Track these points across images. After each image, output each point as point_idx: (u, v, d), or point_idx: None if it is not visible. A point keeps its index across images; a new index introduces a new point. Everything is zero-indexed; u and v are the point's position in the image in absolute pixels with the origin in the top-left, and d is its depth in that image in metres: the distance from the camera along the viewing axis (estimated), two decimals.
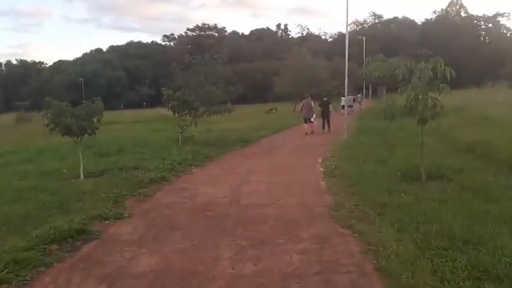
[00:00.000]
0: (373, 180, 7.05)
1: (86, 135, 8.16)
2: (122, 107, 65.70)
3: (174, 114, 13.06)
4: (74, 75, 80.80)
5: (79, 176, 8.09)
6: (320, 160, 9.86)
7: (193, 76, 13.98)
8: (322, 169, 8.64)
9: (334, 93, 33.49)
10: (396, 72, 7.19)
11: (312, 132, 16.98)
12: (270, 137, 16.88)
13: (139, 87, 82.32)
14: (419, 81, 6.92)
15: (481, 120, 13.25)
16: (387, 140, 12.42)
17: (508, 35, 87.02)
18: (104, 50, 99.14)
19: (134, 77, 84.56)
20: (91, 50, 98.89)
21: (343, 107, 25.90)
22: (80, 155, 8.16)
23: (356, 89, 39.84)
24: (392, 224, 4.70)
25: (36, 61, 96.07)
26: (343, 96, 31.20)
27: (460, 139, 11.10)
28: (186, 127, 13.32)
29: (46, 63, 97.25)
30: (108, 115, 35.98)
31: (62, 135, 8.02)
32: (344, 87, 26.54)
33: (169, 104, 12.71)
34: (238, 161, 10.29)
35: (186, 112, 13.22)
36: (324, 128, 17.43)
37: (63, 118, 7.65)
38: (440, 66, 6.90)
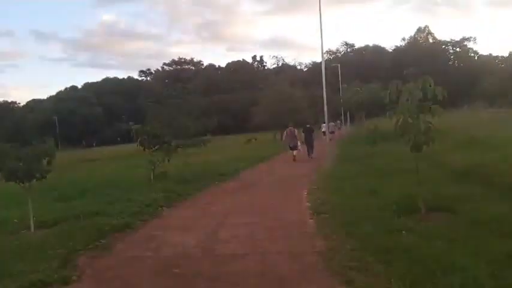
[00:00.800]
0: (368, 216, 6.18)
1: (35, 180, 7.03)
2: (94, 144, 63.83)
3: (144, 150, 12.08)
4: (48, 113, 78.85)
5: (30, 228, 6.94)
6: (305, 193, 8.97)
7: (165, 109, 13.13)
8: (308, 204, 7.73)
9: (312, 122, 33.23)
10: (383, 94, 6.49)
11: (294, 160, 17.03)
12: (250, 168, 15.95)
13: (117, 123, 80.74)
14: (409, 103, 6.23)
15: (470, 142, 12.70)
16: (374, 167, 11.69)
17: (476, 58, 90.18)
18: (79, 87, 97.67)
19: (111, 113, 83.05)
20: (65, 88, 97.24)
21: (324, 133, 25.74)
22: (30, 203, 7.02)
23: (334, 115, 39.72)
24: (402, 276, 3.80)
25: (9, 101, 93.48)
26: (323, 123, 31.24)
27: (452, 164, 10.44)
28: (158, 163, 12.31)
29: (19, 103, 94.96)
30: (83, 153, 34.48)
31: (6, 181, 6.91)
32: (321, 114, 27.73)
33: (138, 139, 11.74)
34: (215, 199, 9.28)
35: (157, 147, 12.25)
36: (309, 155, 17.87)
37: (6, 162, 6.56)
38: (430, 85, 6.26)
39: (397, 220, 5.98)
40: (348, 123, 48.55)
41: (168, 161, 12.74)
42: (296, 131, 17.94)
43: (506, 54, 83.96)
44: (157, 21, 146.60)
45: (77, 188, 11.12)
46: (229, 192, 10.09)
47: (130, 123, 12.41)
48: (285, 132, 18.27)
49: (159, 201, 8.84)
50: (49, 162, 7.10)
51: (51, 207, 8.84)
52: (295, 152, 17.27)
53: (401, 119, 6.31)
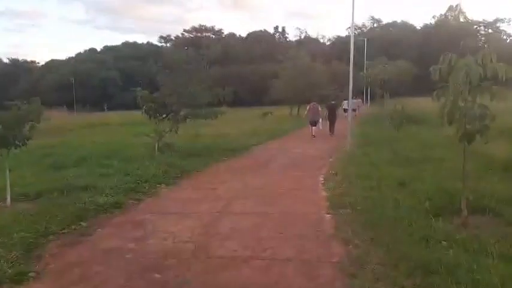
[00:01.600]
0: (397, 216, 5.14)
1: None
2: (106, 108, 63.30)
3: (150, 118, 11.14)
4: (66, 74, 78.54)
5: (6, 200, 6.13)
6: (322, 179, 7.92)
7: (176, 75, 12.04)
8: (325, 194, 6.70)
9: (333, 97, 31.80)
10: (431, 69, 5.29)
11: (313, 136, 16.96)
12: (263, 144, 14.93)
13: (134, 88, 79.68)
14: (465, 81, 5.03)
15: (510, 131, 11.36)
16: (401, 154, 10.53)
17: (508, 41, 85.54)
18: (98, 50, 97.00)
19: (129, 78, 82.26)
20: (85, 50, 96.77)
21: (345, 110, 24.74)
22: (7, 172, 6.19)
23: (355, 93, 37.96)
24: None
25: (28, 60, 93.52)
26: (345, 100, 29.79)
27: (489, 154, 9.21)
28: (164, 133, 11.41)
29: (38, 62, 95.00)
30: (95, 116, 33.91)
31: None
32: (342, 91, 27.95)
33: (144, 107, 10.79)
34: (221, 179, 8.33)
35: (164, 116, 11.31)
36: (330, 131, 17.78)
37: None
38: (491, 61, 5.04)
39: (433, 223, 4.95)
40: (368, 102, 46.68)
41: (176, 131, 11.82)
42: (319, 106, 17.85)
43: None
44: None
45: (75, 156, 10.33)
46: (238, 172, 9.12)
47: (138, 88, 11.39)
48: (307, 107, 18.10)
49: (158, 177, 7.95)
50: (32, 128, 6.21)
51: (40, 175, 8.06)
52: (315, 128, 17.15)
53: (450, 101, 5.14)
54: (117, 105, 72.58)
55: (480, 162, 8.91)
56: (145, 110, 10.81)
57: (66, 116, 39.88)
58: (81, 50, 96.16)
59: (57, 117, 41.72)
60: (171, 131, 11.61)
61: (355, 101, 29.62)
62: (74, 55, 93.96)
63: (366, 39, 36.35)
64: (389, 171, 8.25)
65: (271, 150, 13.27)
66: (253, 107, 52.86)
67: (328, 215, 5.44)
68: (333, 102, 19.30)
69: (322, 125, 17.64)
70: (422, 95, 39.67)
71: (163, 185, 7.61)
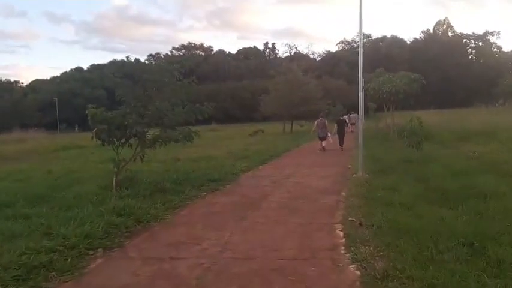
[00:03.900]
0: None
1: None
2: (77, 129, 60.11)
3: (103, 144, 8.52)
4: (50, 94, 75.41)
5: None
6: (341, 234, 5.28)
7: (141, 89, 9.46)
8: (356, 272, 4.04)
9: (326, 112, 29.71)
10: None
11: (323, 150, 17.14)
12: (253, 171, 12.33)
13: (120, 106, 76.73)
14: None
15: None
16: (435, 185, 7.99)
17: (496, 55, 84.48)
18: (85, 68, 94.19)
19: (115, 96, 79.37)
20: (71, 69, 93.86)
21: (347, 124, 23.57)
22: None
23: (351, 108, 35.89)
24: None
25: (12, 80, 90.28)
26: (345, 115, 28.14)
27: None
28: (125, 163, 8.80)
29: (22, 83, 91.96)
30: (73, 138, 30.78)
31: None
32: (335, 106, 29.47)
33: (94, 130, 8.17)
34: (190, 235, 5.63)
35: (123, 141, 8.69)
36: (340, 145, 17.98)
37: None
38: None
39: None
40: (362, 117, 44.33)
41: (142, 159, 9.24)
42: (326, 121, 17.94)
43: None
44: (169, 7, 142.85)
45: None
46: (216, 220, 6.44)
47: (89, 106, 8.76)
48: (315, 123, 18.07)
49: (95, 237, 5.27)
50: None
51: None
52: (324, 143, 17.38)
53: None
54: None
55: None
56: (95, 134, 8.17)
57: (43, 138, 36.96)
58: (68, 69, 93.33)
59: (34, 138, 38.87)
60: (135, 159, 9.03)
61: (355, 115, 27.71)
62: (59, 74, 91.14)
63: (362, 50, 34.26)
64: (434, 216, 5.69)
65: (264, 179, 10.63)
66: (244, 123, 50.68)
67: None
68: (341, 117, 20.21)
69: (332, 138, 17.89)
70: (419, 108, 37.75)
71: (99, 252, 4.95)
